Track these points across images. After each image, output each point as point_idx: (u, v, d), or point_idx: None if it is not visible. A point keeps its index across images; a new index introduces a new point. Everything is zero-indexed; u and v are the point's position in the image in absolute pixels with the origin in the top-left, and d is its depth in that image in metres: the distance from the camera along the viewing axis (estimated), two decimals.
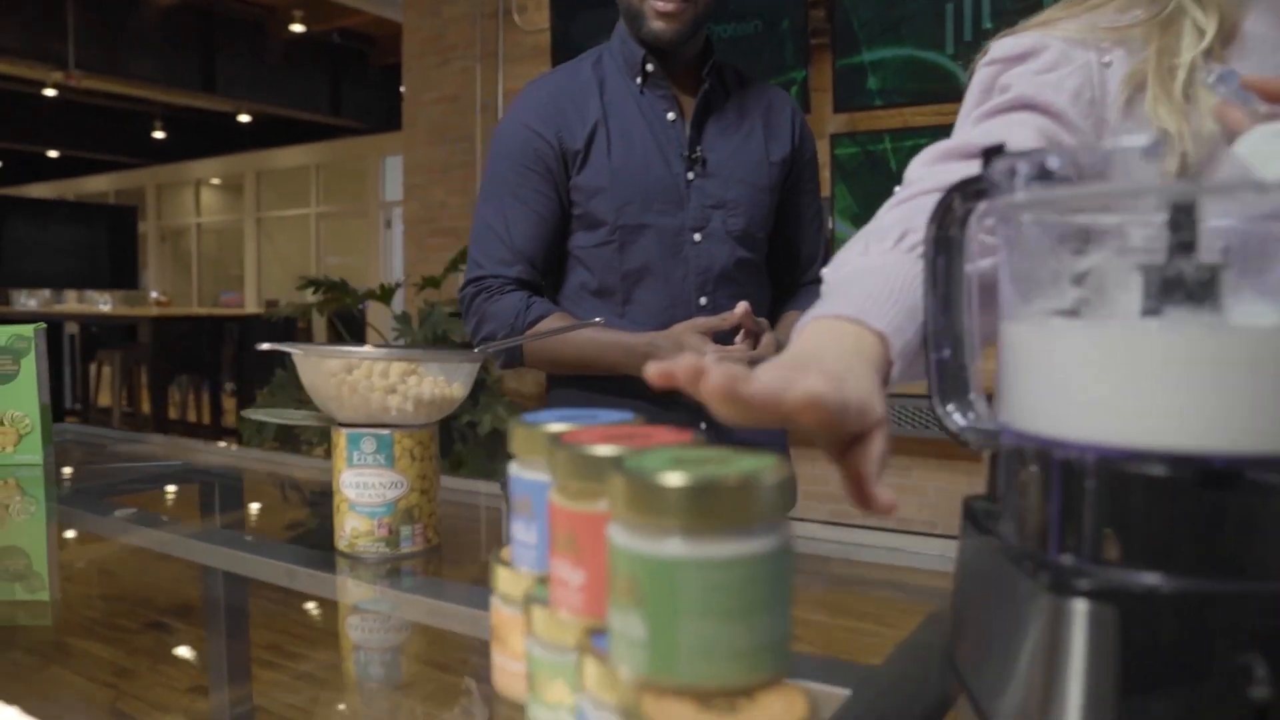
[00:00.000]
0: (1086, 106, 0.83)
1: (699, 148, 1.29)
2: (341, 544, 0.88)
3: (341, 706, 0.59)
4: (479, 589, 0.86)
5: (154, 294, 10.44)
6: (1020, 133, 0.81)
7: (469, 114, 4.59)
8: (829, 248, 1.37)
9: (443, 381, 0.87)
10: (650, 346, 1.20)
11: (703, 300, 1.29)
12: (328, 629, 0.83)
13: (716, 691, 0.36)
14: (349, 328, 5.78)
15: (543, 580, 0.50)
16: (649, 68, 1.31)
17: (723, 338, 1.18)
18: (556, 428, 0.49)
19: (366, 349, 0.85)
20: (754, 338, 1.14)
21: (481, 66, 4.54)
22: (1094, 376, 0.43)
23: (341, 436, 0.87)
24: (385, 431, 0.86)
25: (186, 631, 0.81)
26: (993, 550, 0.50)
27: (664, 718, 0.36)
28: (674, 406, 1.23)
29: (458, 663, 0.69)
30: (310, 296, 4.31)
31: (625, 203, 1.27)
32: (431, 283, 4.00)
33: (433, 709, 0.58)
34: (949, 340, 0.59)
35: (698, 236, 1.26)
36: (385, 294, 4.20)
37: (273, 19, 8.38)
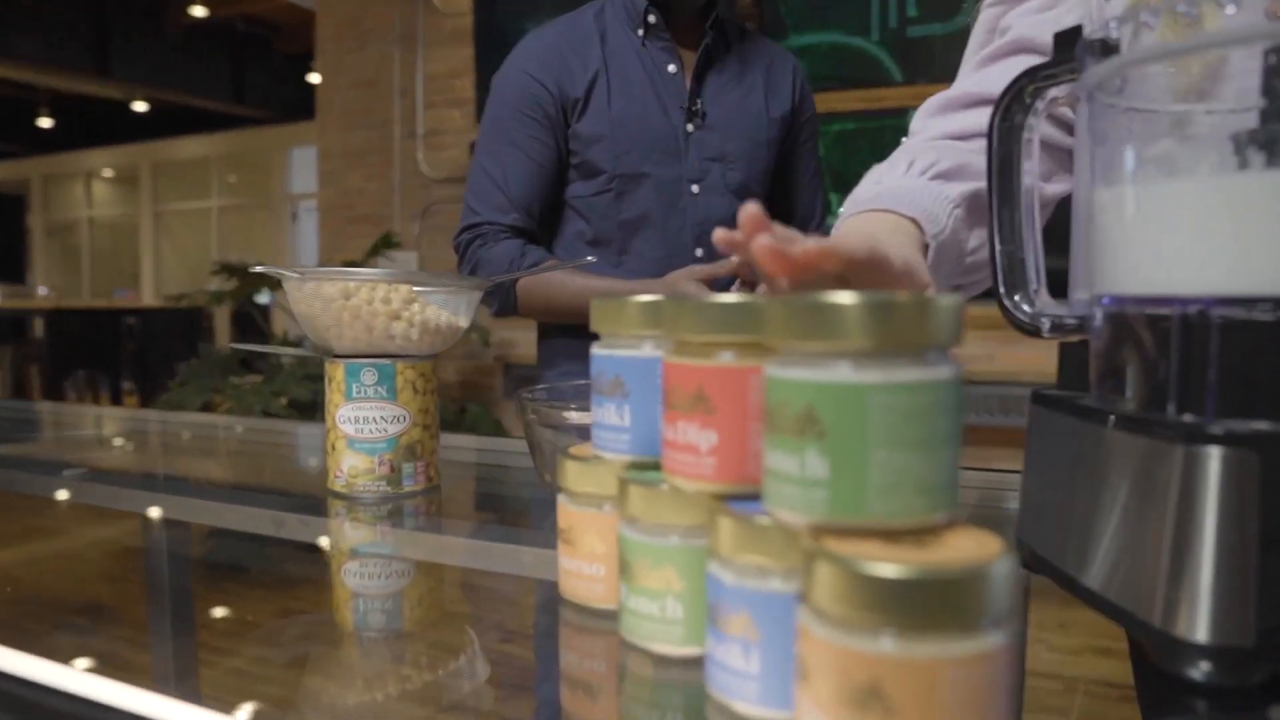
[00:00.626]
0: None
1: (699, 100, 1.29)
2: (338, 484, 0.82)
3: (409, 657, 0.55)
4: (497, 527, 0.83)
5: (41, 290, 9.89)
6: None
7: (386, 99, 4.48)
8: (824, 213, 1.38)
9: (446, 311, 0.83)
10: (643, 294, 1.20)
11: (699, 252, 1.29)
12: (326, 581, 0.78)
13: (904, 529, 0.34)
14: (255, 321, 5.58)
15: (638, 465, 0.48)
16: (651, 19, 1.30)
17: (719, 288, 1.18)
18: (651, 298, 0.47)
19: (369, 270, 0.81)
20: (750, 288, 1.13)
21: (400, 50, 4.43)
22: (1213, 228, 0.43)
23: (339, 369, 0.82)
24: (387, 362, 0.81)
25: (135, 597, 0.75)
26: (1096, 422, 0.49)
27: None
28: None
29: (496, 599, 0.65)
30: (220, 284, 4.14)
31: (624, 151, 1.26)
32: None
33: (495, 641, 0.55)
34: (1011, 233, 0.58)
35: (696, 188, 1.27)
36: None
37: (171, 2, 8.03)
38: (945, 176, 0.71)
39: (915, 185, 0.70)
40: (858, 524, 0.34)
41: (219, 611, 0.63)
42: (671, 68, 1.31)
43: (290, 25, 8.34)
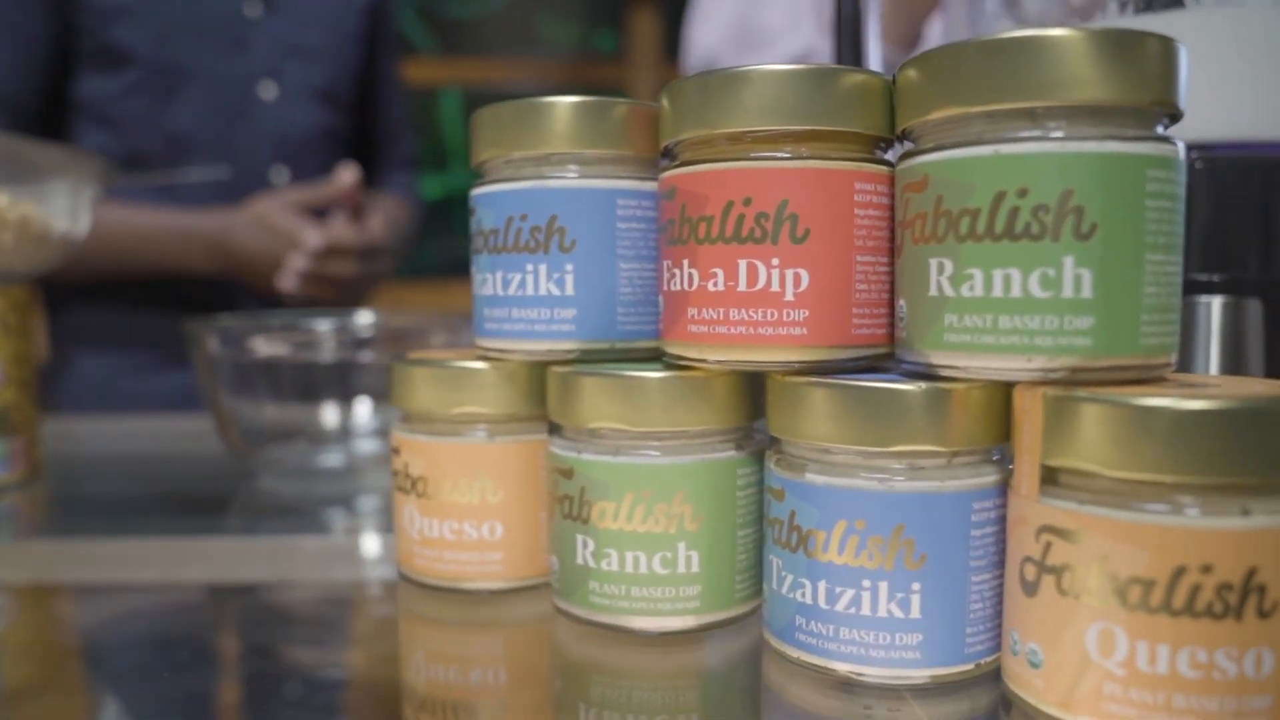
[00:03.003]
0: None
1: None
2: None
3: None
4: (156, 518, 0.55)
5: None
6: None
7: None
8: (407, 132, 1.14)
9: (52, 212, 0.54)
10: (223, 232, 0.89)
11: (278, 176, 0.98)
12: None
13: (1163, 373, 0.24)
14: None
15: (587, 355, 0.31)
16: None
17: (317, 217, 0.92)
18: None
19: None
20: (359, 214, 0.91)
21: None
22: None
23: None
24: None
25: None
26: None
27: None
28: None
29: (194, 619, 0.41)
30: None
31: (163, 32, 0.93)
32: None
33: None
34: None
35: (270, 91, 0.98)
36: None
37: None
38: None
39: None
40: (1127, 363, 0.23)
41: None
42: None
43: None
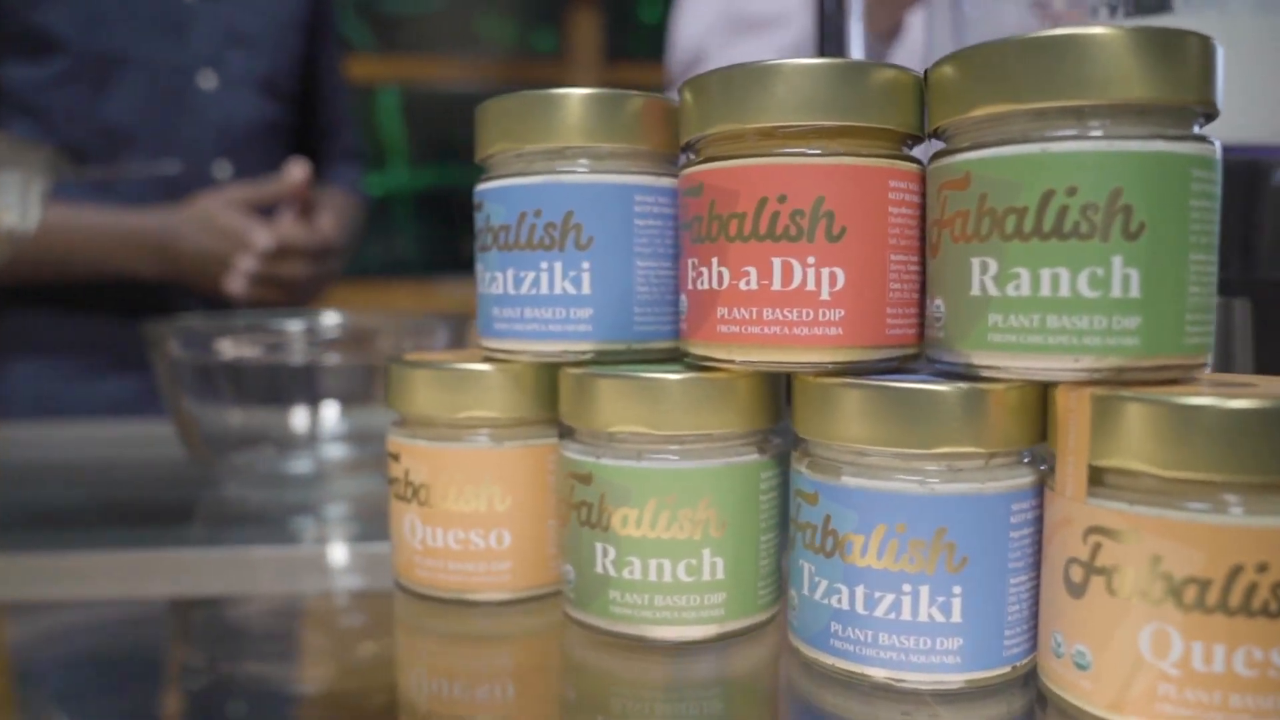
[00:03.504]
0: None
1: None
2: None
3: None
4: (99, 530, 0.52)
5: None
6: None
7: None
8: (350, 123, 1.11)
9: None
10: (169, 233, 0.85)
11: (221, 171, 0.94)
12: None
13: (1199, 373, 0.24)
14: None
15: (602, 355, 0.30)
16: None
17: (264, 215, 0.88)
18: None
19: None
20: (308, 212, 0.87)
21: None
22: None
23: None
24: None
25: None
26: None
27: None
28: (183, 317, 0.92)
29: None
30: None
31: (94, 17, 0.87)
32: None
33: None
34: None
35: (210, 81, 0.94)
36: None
37: None
38: None
39: None
40: (1171, 363, 0.23)
41: None
42: None
43: None
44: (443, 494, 0.32)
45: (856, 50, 0.48)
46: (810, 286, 0.26)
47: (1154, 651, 0.22)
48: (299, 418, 0.53)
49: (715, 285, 0.27)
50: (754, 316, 0.26)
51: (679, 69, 0.92)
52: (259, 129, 0.97)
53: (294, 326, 0.57)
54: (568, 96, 0.30)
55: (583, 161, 0.30)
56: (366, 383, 0.54)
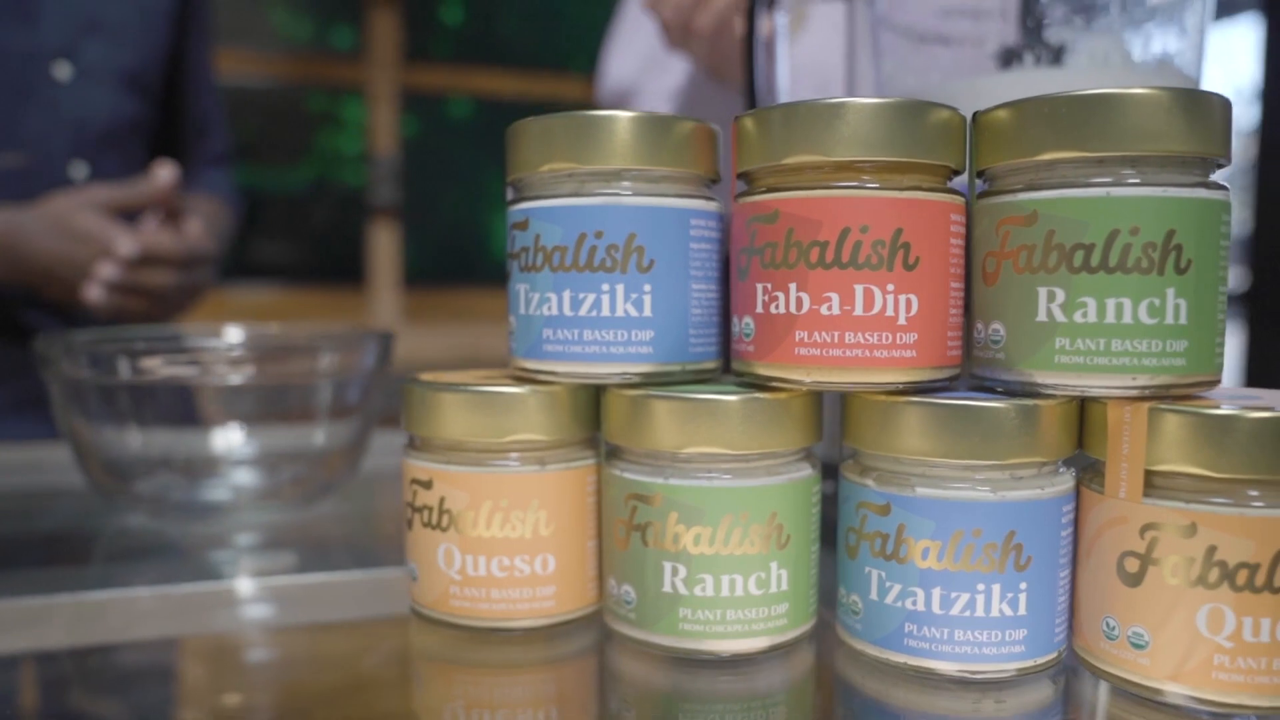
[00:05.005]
0: None
1: None
2: None
3: None
4: None
5: None
6: None
7: None
8: (221, 120, 1.03)
9: None
10: (13, 233, 0.75)
11: (77, 171, 0.85)
12: None
13: (1214, 387, 0.28)
14: None
15: (656, 377, 0.31)
16: None
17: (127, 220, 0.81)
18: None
19: None
20: (175, 218, 0.80)
21: None
22: None
23: None
24: None
25: None
26: None
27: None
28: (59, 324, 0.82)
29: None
30: None
31: None
32: None
33: None
34: None
35: (65, 71, 0.83)
36: None
37: None
38: None
39: None
40: (1206, 379, 0.27)
41: None
42: None
43: None
44: (486, 521, 0.31)
45: (784, 94, 0.51)
46: (890, 312, 0.28)
47: (1210, 628, 0.25)
48: (209, 440, 0.49)
49: (794, 310, 0.28)
50: (836, 340, 0.28)
51: (610, 98, 0.94)
52: (120, 127, 0.88)
53: (202, 343, 0.52)
54: (617, 119, 0.30)
55: (640, 184, 0.30)
56: (279, 402, 0.51)
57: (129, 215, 0.78)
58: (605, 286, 0.30)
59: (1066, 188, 0.27)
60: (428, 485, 0.32)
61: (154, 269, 0.75)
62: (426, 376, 0.33)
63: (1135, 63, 0.41)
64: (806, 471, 0.30)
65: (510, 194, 0.33)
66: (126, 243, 0.73)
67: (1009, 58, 0.46)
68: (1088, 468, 0.29)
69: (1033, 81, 0.38)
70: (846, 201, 0.28)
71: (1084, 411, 0.29)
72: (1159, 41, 0.40)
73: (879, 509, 0.29)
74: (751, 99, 0.55)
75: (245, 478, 0.51)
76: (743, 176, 0.31)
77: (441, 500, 0.32)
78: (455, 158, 2.54)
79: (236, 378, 0.49)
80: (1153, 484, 0.27)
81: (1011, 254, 0.28)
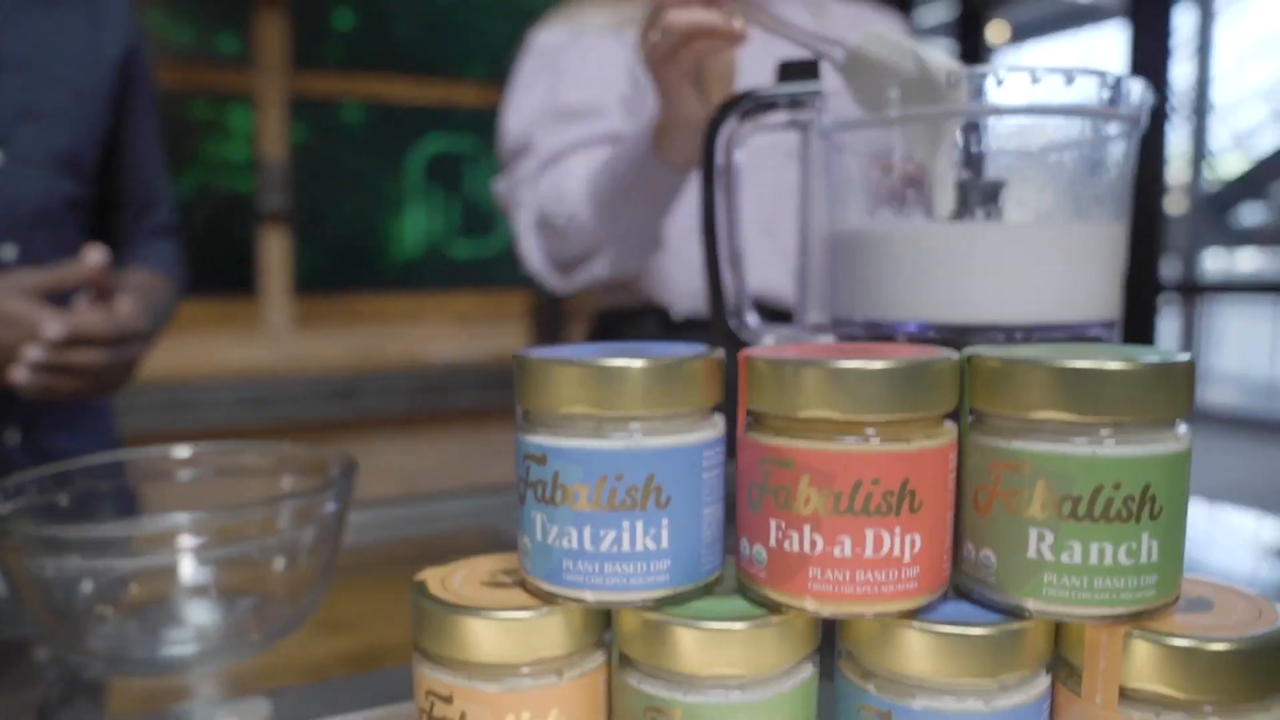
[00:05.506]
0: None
1: None
2: None
3: None
4: None
5: None
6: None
7: None
8: (167, 193, 1.01)
9: None
10: None
11: (6, 253, 0.84)
12: None
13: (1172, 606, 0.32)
14: None
15: (671, 599, 0.33)
16: None
17: (58, 301, 0.78)
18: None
19: None
20: (107, 297, 0.78)
21: None
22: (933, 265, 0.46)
23: None
24: None
25: None
26: None
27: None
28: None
29: None
30: None
31: None
32: None
33: None
34: (734, 261, 0.56)
35: None
36: None
37: None
38: None
39: None
40: (1170, 602, 0.31)
41: None
42: None
43: None
44: None
45: (749, 216, 0.53)
46: (896, 552, 0.30)
47: None
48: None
49: (807, 550, 0.30)
50: (847, 578, 0.30)
51: (508, 155, 0.96)
52: (52, 209, 0.87)
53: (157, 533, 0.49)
54: (630, 371, 0.31)
55: (655, 423, 0.32)
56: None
57: (61, 298, 0.77)
58: (625, 524, 0.31)
59: (1056, 443, 0.30)
60: (448, 700, 0.33)
61: (82, 349, 0.75)
62: (437, 593, 0.34)
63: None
64: (807, 675, 0.33)
65: (521, 418, 0.34)
66: (52, 325, 0.73)
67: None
68: (1063, 666, 0.32)
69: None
70: (859, 457, 0.30)
71: (1059, 628, 0.32)
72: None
73: (881, 714, 0.31)
74: (711, 230, 0.57)
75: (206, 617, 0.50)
76: (751, 412, 0.32)
77: (462, 715, 0.33)
78: (347, 163, 2.48)
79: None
80: (1125, 695, 0.30)
81: (1004, 495, 0.31)
